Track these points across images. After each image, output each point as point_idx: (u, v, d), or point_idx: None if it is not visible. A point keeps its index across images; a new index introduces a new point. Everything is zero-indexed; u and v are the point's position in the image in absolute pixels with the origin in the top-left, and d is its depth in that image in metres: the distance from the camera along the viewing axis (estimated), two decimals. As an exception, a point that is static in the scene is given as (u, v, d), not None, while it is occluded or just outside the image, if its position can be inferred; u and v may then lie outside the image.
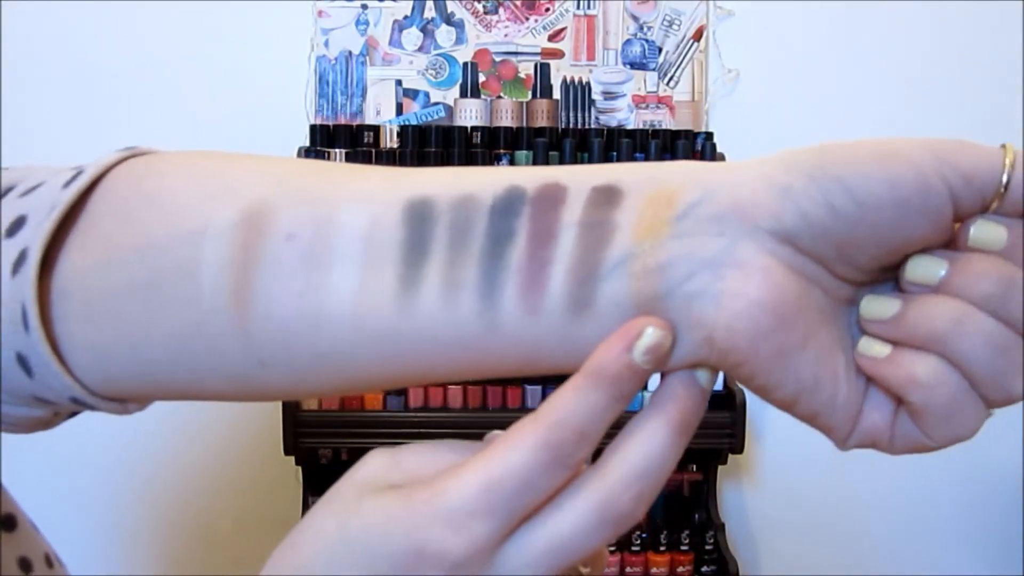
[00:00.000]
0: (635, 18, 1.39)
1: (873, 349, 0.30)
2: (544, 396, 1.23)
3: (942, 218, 0.29)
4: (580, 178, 0.31)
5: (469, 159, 1.26)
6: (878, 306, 0.30)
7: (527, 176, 0.32)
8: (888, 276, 0.31)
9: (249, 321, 0.32)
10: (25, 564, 0.41)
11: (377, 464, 0.31)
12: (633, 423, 0.30)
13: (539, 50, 1.39)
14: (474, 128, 1.30)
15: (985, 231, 0.29)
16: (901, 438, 0.31)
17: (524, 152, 1.28)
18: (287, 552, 0.31)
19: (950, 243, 0.30)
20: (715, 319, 0.29)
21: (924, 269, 0.29)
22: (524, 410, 1.22)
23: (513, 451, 0.29)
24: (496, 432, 0.31)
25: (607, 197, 0.30)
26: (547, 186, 0.31)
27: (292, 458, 1.22)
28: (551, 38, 1.39)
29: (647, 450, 0.30)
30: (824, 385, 0.30)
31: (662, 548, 1.27)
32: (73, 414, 0.39)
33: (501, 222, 0.31)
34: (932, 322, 0.29)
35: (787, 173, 0.29)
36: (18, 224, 0.34)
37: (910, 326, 0.29)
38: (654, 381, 0.32)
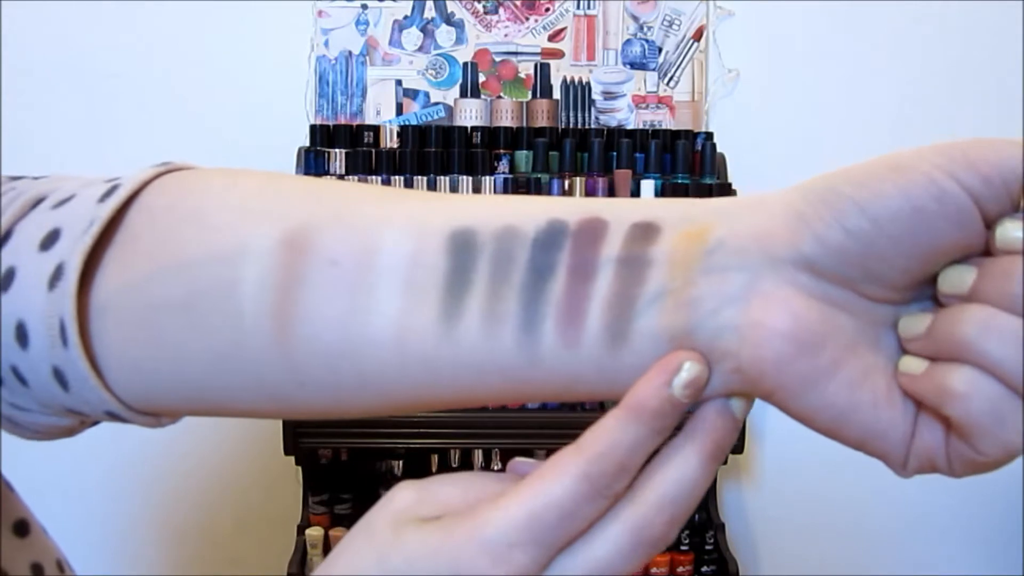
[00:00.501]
0: (635, 18, 1.39)
1: (910, 366, 0.30)
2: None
3: (968, 222, 0.28)
4: (620, 213, 0.32)
5: (469, 159, 1.26)
6: (912, 323, 0.30)
7: (568, 209, 0.32)
8: (929, 292, 0.30)
9: (290, 342, 0.33)
10: (38, 569, 0.41)
11: (409, 497, 0.32)
12: (667, 450, 0.31)
13: (539, 50, 1.39)
14: (474, 128, 1.30)
15: (1010, 230, 0.28)
16: (957, 459, 0.29)
17: (524, 152, 1.28)
18: None
19: (986, 250, 0.29)
20: (739, 350, 0.30)
21: (953, 277, 0.29)
22: (523, 410, 1.22)
23: (555, 483, 0.29)
24: (520, 460, 0.33)
25: (645, 233, 0.31)
26: (588, 220, 0.32)
27: (292, 458, 1.22)
28: (551, 38, 1.39)
29: (680, 476, 0.30)
30: (861, 409, 0.30)
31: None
32: (96, 422, 0.39)
33: (543, 256, 0.31)
34: (959, 329, 0.28)
35: (802, 200, 0.29)
36: (53, 237, 0.35)
37: (939, 338, 0.29)
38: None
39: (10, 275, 0.35)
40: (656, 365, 0.30)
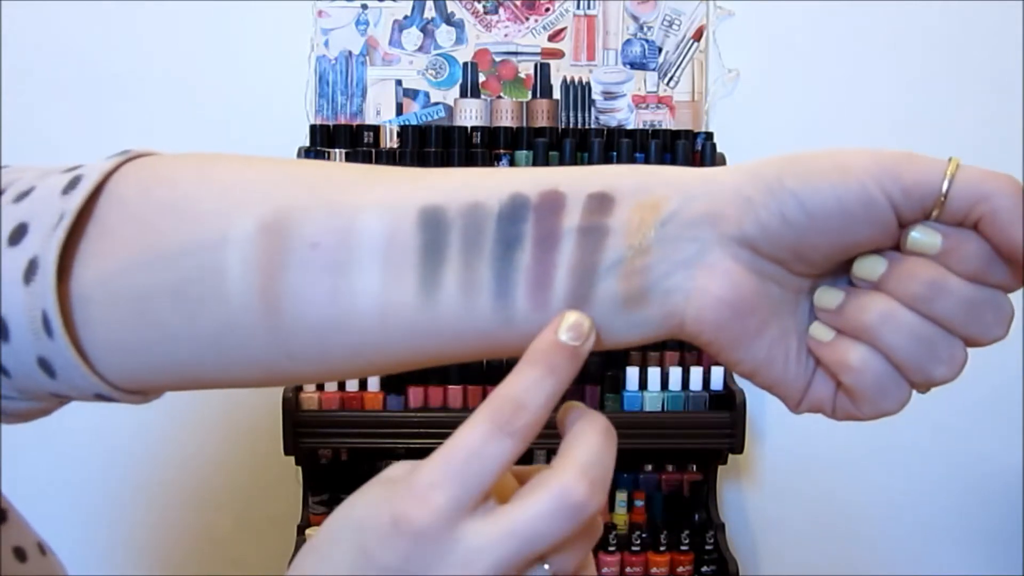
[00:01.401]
0: (635, 18, 1.39)
1: (819, 333, 0.35)
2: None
3: (886, 225, 0.33)
4: (577, 185, 0.35)
5: (469, 159, 1.26)
6: (826, 297, 0.35)
7: (527, 182, 0.35)
8: (844, 269, 0.35)
9: (279, 321, 0.35)
10: (20, 553, 0.42)
11: (397, 466, 0.35)
12: (579, 423, 0.35)
13: (539, 50, 1.39)
14: (474, 128, 1.30)
15: (922, 237, 0.33)
16: (840, 410, 0.36)
17: (524, 152, 1.28)
18: (309, 547, 0.35)
19: (898, 244, 0.33)
20: (685, 310, 0.35)
21: (867, 267, 0.34)
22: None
23: (464, 428, 0.33)
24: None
25: (601, 204, 0.35)
26: (547, 193, 0.35)
27: (292, 458, 1.22)
28: (551, 38, 1.39)
29: (590, 442, 0.34)
30: (776, 362, 0.36)
31: (662, 548, 1.27)
32: (71, 399, 0.40)
33: (509, 228, 0.35)
34: (864, 315, 0.33)
35: (751, 185, 0.34)
36: (20, 232, 0.36)
37: (847, 317, 0.34)
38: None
39: None
40: (548, 323, 0.34)
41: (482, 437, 0.32)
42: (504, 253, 0.35)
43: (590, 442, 0.34)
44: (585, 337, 0.34)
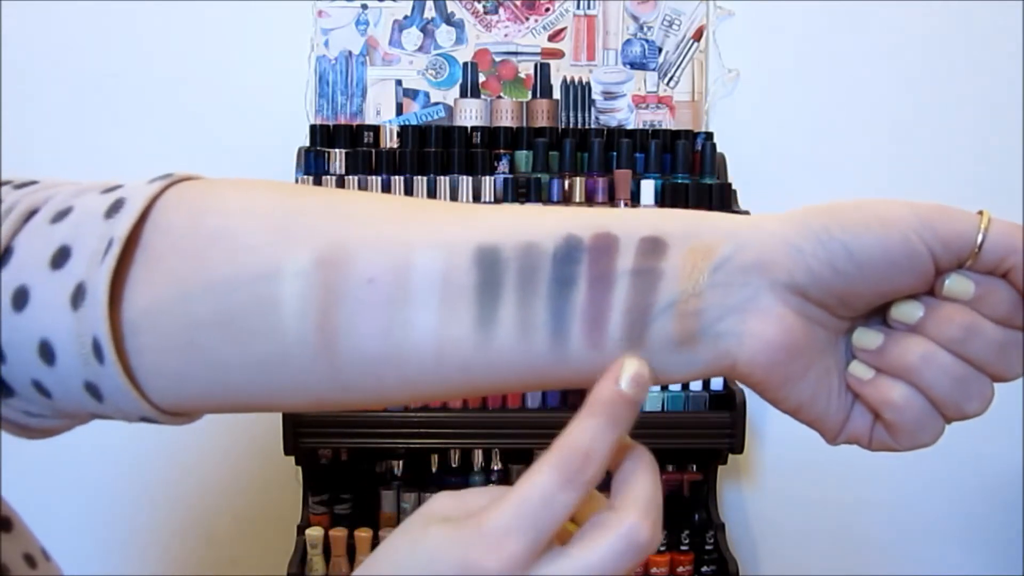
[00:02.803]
0: (635, 18, 1.39)
1: (859, 372, 0.38)
2: (542, 396, 1.23)
3: (925, 273, 0.36)
4: (628, 229, 0.37)
5: (469, 159, 1.26)
6: (866, 338, 0.38)
7: (579, 224, 0.37)
8: (878, 311, 0.38)
9: (334, 354, 0.36)
10: (30, 560, 0.43)
11: (444, 501, 0.36)
12: (632, 464, 0.36)
13: (539, 50, 1.39)
14: (474, 128, 1.30)
15: (957, 284, 0.35)
16: (877, 441, 0.38)
17: (524, 152, 1.28)
18: (365, 571, 0.36)
19: (932, 291, 0.36)
20: (738, 353, 0.36)
21: (905, 311, 0.37)
22: (523, 410, 1.22)
23: (533, 476, 0.34)
24: None
25: (654, 247, 0.36)
26: (600, 235, 0.36)
27: (292, 458, 1.22)
28: (551, 38, 1.39)
29: (645, 484, 0.35)
30: (820, 400, 0.38)
31: (662, 548, 1.27)
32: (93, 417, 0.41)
33: (564, 268, 0.36)
34: (905, 356, 0.36)
35: (800, 235, 0.36)
36: (63, 255, 0.36)
37: (889, 357, 0.37)
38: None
39: (23, 294, 0.36)
40: (608, 370, 0.35)
41: (553, 486, 0.33)
42: (560, 293, 0.36)
43: (646, 480, 0.35)
44: (645, 387, 0.35)
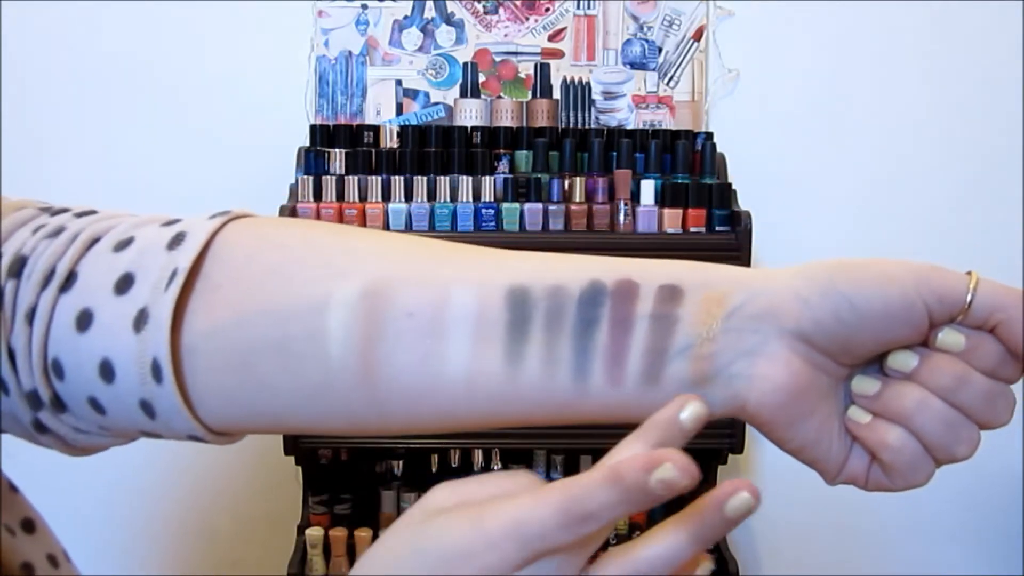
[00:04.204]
0: (635, 18, 1.39)
1: (858, 416, 0.40)
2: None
3: (920, 325, 0.39)
4: (648, 276, 0.39)
5: (469, 159, 1.26)
6: (864, 384, 0.40)
7: (605, 269, 0.40)
8: (876, 359, 0.41)
9: (374, 382, 0.39)
10: (53, 560, 0.45)
11: (442, 494, 0.37)
12: (659, 528, 0.36)
13: (539, 50, 1.39)
14: (474, 128, 1.30)
15: (949, 337, 0.39)
16: (873, 482, 0.41)
17: (524, 152, 1.28)
18: (361, 566, 0.36)
19: (926, 342, 0.39)
20: (748, 394, 0.39)
21: (900, 360, 0.40)
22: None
23: (540, 504, 0.34)
24: (523, 471, 0.37)
25: (672, 295, 0.39)
26: (623, 281, 0.39)
27: (292, 458, 1.22)
28: (551, 38, 1.39)
29: (663, 552, 0.35)
30: (822, 441, 0.40)
31: (662, 548, 1.27)
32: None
33: (588, 310, 0.39)
34: (901, 402, 0.39)
35: (807, 287, 0.39)
36: (127, 282, 0.39)
37: (886, 403, 0.40)
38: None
39: (88, 316, 0.39)
40: (649, 453, 0.34)
41: (553, 526, 0.34)
42: (584, 332, 0.39)
43: (674, 545, 0.35)
44: (675, 491, 0.34)
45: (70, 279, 0.39)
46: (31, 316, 0.39)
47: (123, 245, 0.40)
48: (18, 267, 0.39)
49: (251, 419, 0.41)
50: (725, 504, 0.35)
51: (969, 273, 0.39)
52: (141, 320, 0.38)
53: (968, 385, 0.38)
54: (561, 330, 0.39)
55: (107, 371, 0.39)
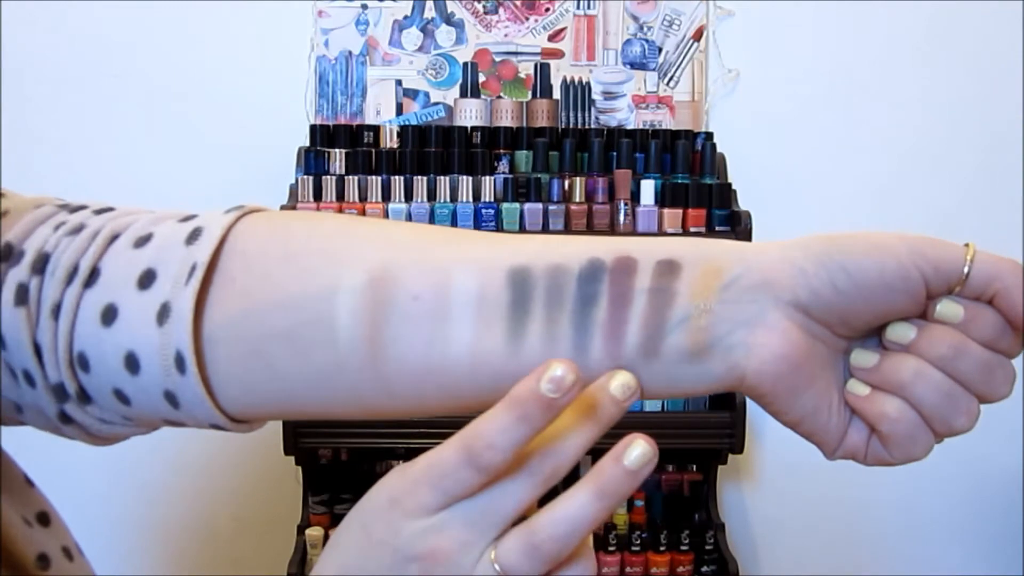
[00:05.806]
0: (635, 18, 1.39)
1: (857, 388, 0.41)
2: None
3: (917, 296, 0.39)
4: (647, 252, 0.40)
5: (469, 159, 1.26)
6: (863, 357, 0.41)
7: (603, 248, 0.40)
8: (874, 333, 0.41)
9: (382, 364, 0.40)
10: (67, 553, 0.46)
11: (391, 473, 0.39)
12: (567, 491, 0.37)
13: (539, 50, 1.39)
14: (474, 128, 1.30)
15: (947, 308, 0.39)
16: (872, 455, 0.41)
17: (524, 152, 1.28)
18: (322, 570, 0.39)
19: (924, 314, 0.39)
20: (747, 364, 0.39)
21: (899, 332, 0.40)
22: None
23: (445, 446, 0.37)
24: None
25: (669, 269, 0.40)
26: (621, 258, 0.40)
27: (292, 458, 1.22)
28: (551, 38, 1.39)
29: (571, 511, 0.37)
30: (821, 413, 0.41)
31: (662, 548, 1.27)
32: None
33: (587, 287, 0.39)
34: (899, 373, 0.39)
35: (804, 257, 0.39)
36: (149, 277, 0.40)
37: (884, 375, 0.40)
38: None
39: (112, 311, 0.40)
40: (535, 369, 0.36)
41: (458, 462, 0.36)
42: (583, 309, 0.39)
43: (575, 505, 0.37)
44: (568, 390, 0.36)
45: (93, 275, 0.41)
46: (56, 312, 0.40)
47: (143, 241, 0.41)
48: (41, 264, 0.41)
49: (267, 406, 0.42)
50: (623, 455, 0.37)
51: (967, 245, 0.38)
52: (164, 314, 0.40)
53: (966, 355, 0.38)
54: (561, 308, 0.39)
55: (132, 363, 0.40)
